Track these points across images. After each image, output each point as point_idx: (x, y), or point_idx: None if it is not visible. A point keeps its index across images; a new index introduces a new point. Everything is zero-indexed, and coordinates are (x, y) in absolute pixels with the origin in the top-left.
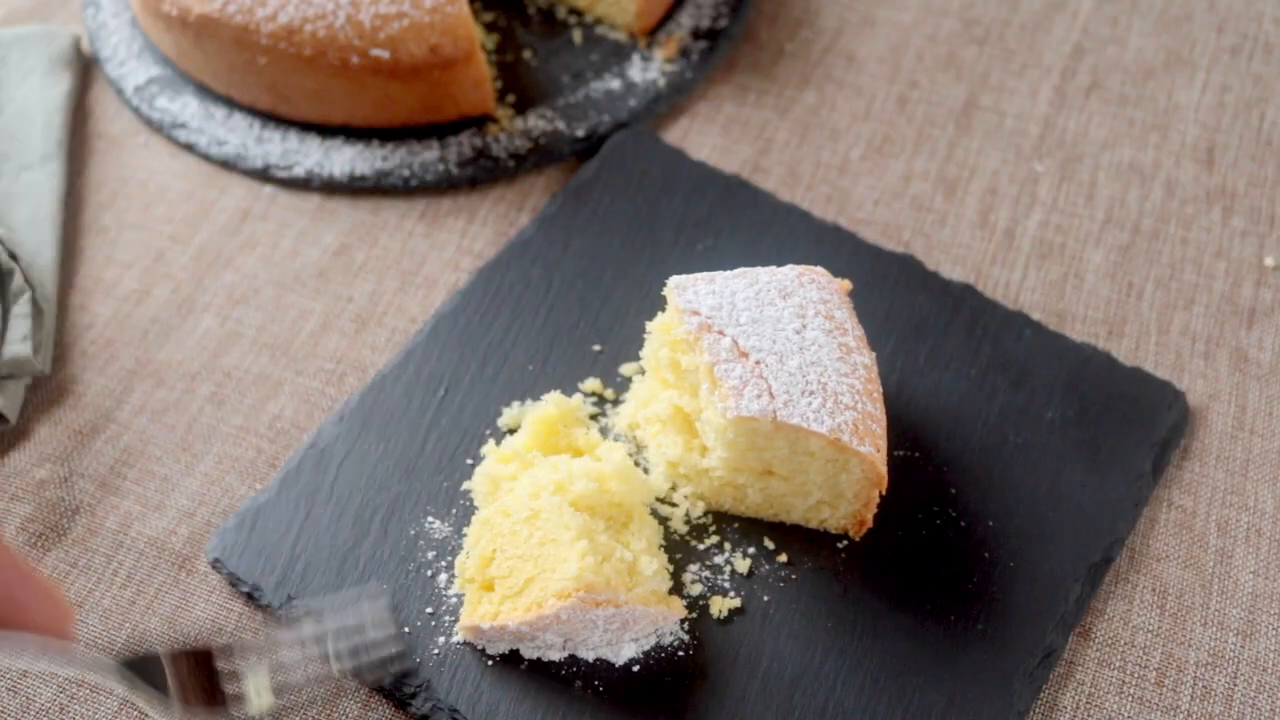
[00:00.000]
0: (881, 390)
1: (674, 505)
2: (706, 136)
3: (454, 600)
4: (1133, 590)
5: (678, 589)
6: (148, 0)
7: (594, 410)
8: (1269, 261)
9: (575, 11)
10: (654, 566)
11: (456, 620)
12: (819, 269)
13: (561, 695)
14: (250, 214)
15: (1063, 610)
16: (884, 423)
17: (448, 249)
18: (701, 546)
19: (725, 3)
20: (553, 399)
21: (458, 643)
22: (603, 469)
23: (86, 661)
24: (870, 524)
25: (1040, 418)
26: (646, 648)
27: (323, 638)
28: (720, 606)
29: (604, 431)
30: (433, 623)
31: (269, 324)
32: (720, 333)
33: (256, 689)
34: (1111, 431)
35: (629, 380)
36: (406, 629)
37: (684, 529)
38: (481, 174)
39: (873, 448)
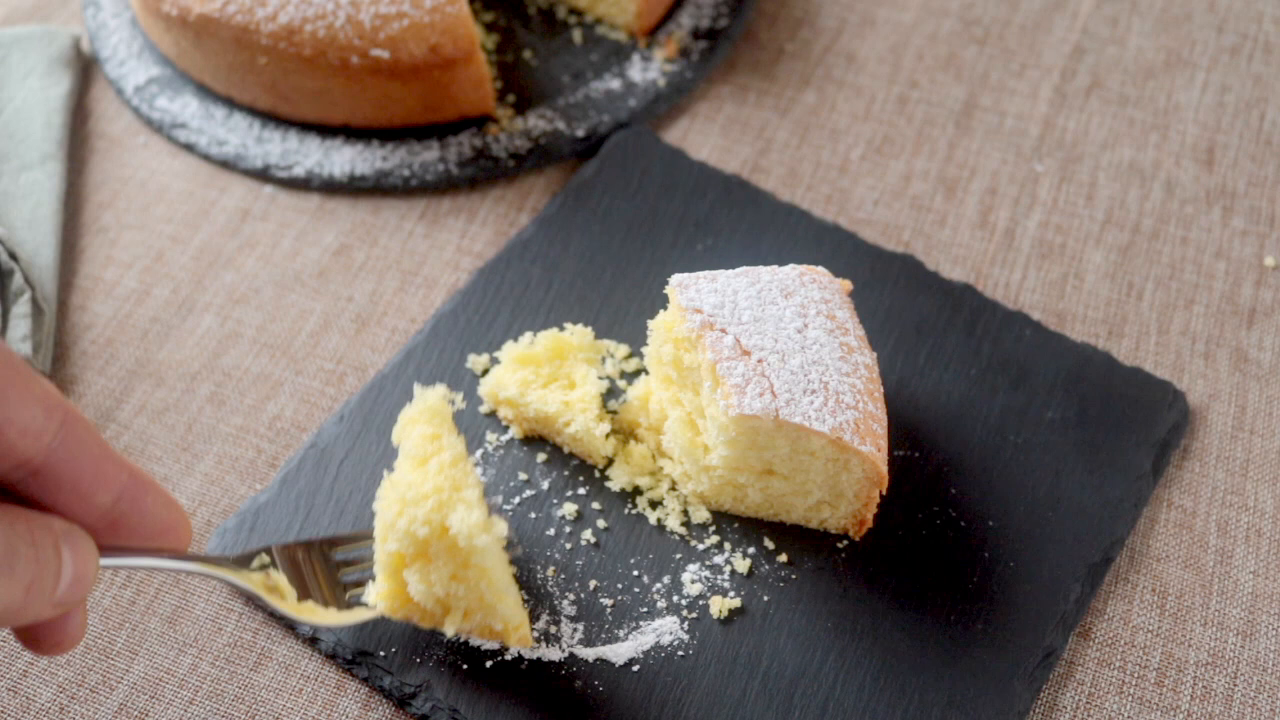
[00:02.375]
0: (882, 390)
1: (668, 505)
2: (706, 136)
3: None
4: (1133, 590)
5: (677, 588)
6: (148, 0)
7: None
8: (1269, 261)
9: (575, 11)
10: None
11: None
12: (820, 269)
13: (561, 695)
14: (250, 214)
15: (1063, 610)
16: (885, 422)
17: (448, 249)
18: (701, 546)
19: (725, 3)
20: (576, 330)
21: (458, 644)
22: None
23: (202, 566)
24: (870, 524)
25: (1040, 418)
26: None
27: None
28: (720, 606)
29: (612, 394)
30: None
31: (269, 324)
32: (723, 331)
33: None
34: (1111, 431)
35: (630, 378)
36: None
37: (684, 529)
38: (481, 174)
39: (874, 447)
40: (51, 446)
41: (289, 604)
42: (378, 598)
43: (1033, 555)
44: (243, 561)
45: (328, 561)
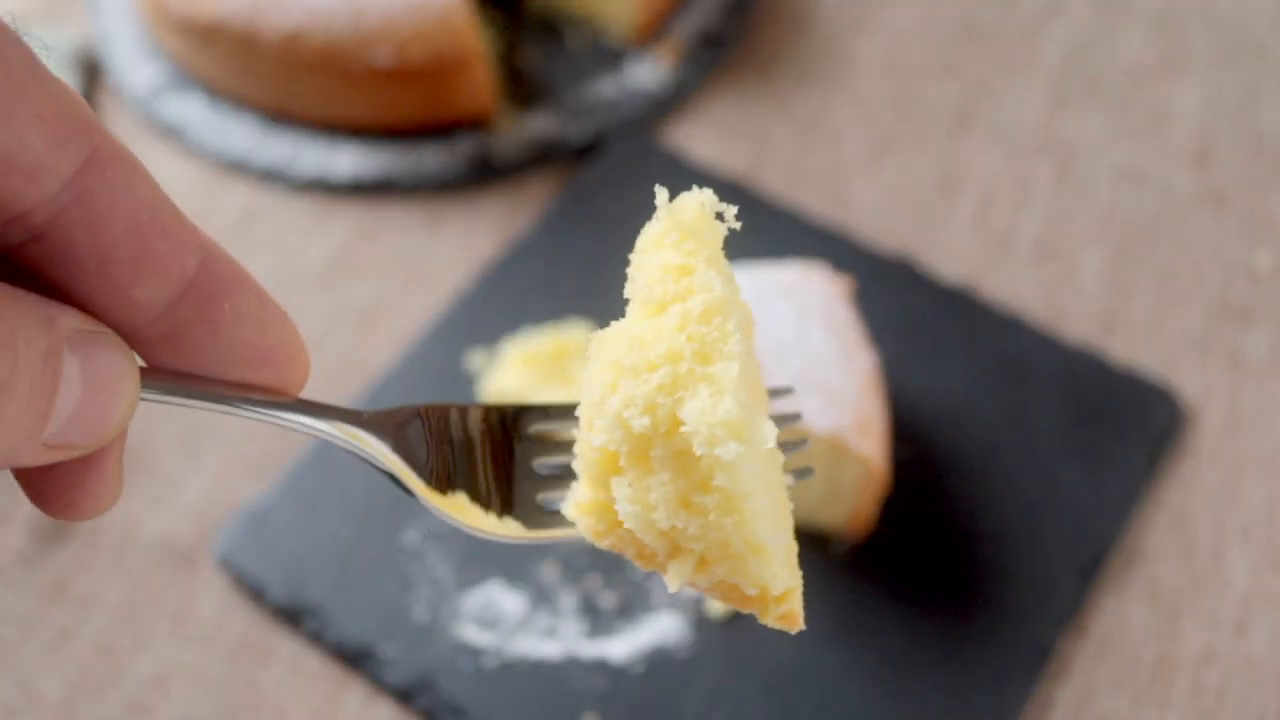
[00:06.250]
0: (882, 390)
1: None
2: (706, 138)
3: (457, 599)
4: (1127, 588)
5: None
6: (154, 4)
7: None
8: (1262, 262)
9: (576, 14)
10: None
11: (459, 619)
12: (820, 268)
13: (561, 695)
14: (254, 215)
15: (1058, 608)
16: (884, 422)
17: (450, 250)
18: None
19: (725, 5)
20: (577, 330)
21: (458, 643)
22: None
23: (304, 418)
24: (870, 524)
25: (1037, 417)
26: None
27: None
28: (720, 606)
29: None
30: (435, 622)
31: None
32: None
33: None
34: (1106, 431)
35: None
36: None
37: None
38: (484, 176)
39: (873, 447)
40: (63, 198)
41: (434, 496)
42: (576, 510)
43: (1029, 554)
44: (379, 421)
45: (513, 436)
